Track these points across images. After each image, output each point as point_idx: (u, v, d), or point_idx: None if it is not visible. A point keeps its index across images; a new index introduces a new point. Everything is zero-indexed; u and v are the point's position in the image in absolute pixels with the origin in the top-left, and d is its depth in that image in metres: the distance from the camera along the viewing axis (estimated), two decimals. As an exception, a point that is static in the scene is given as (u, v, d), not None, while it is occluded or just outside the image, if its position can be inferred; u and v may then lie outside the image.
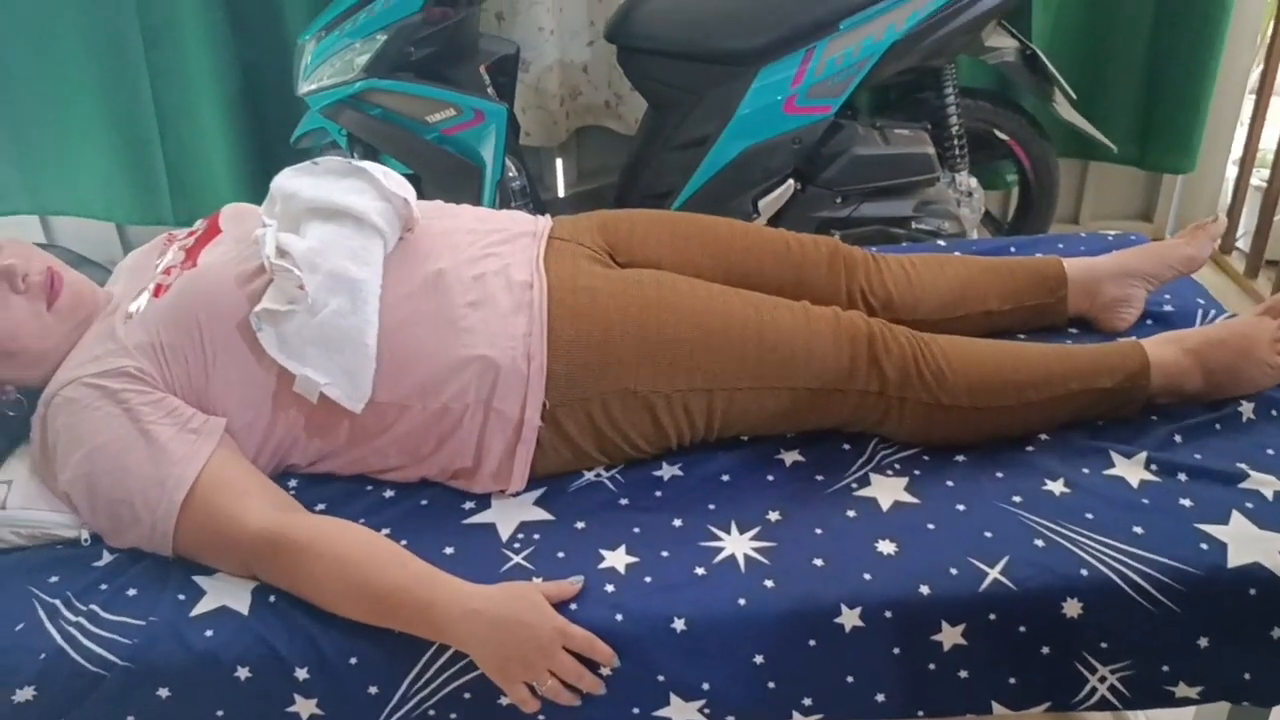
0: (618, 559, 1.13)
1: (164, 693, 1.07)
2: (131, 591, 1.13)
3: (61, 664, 1.07)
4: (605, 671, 1.05)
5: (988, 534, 1.12)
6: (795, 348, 1.25)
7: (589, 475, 1.27)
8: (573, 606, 1.07)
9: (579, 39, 2.65)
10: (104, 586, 1.13)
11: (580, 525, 1.19)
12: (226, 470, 1.15)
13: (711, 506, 1.20)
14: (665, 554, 1.14)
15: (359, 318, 1.18)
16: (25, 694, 1.06)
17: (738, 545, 1.14)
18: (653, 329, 1.23)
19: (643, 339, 1.23)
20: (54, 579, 1.14)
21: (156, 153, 2.76)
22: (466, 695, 1.08)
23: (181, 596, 1.12)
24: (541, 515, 1.21)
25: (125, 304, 1.26)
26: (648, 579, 1.11)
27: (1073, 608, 1.07)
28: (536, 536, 1.17)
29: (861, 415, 1.28)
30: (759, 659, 1.08)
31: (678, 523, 1.18)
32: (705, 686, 1.08)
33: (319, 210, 1.25)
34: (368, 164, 1.30)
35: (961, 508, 1.17)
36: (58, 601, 1.11)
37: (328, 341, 1.18)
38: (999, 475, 1.21)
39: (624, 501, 1.22)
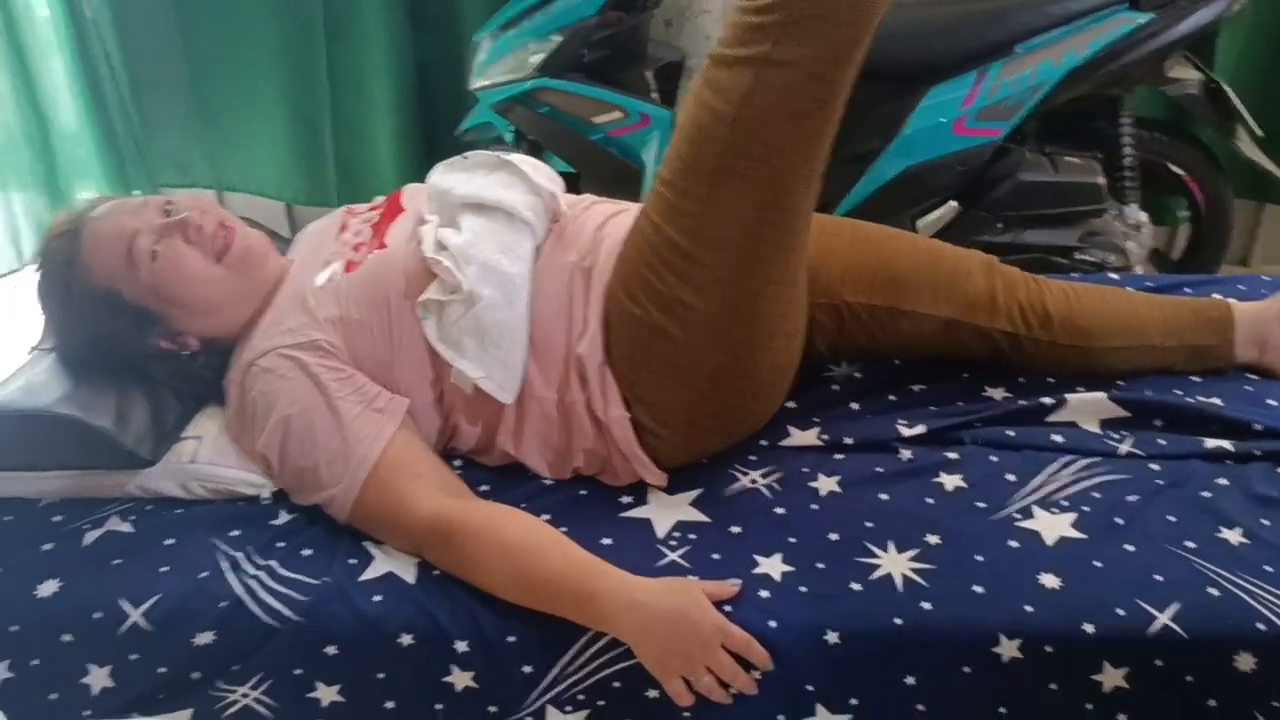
0: (773, 566, 1.14)
1: (331, 650, 1.12)
2: (307, 551, 1.18)
3: (240, 613, 1.12)
4: (756, 675, 1.06)
5: (1158, 577, 1.09)
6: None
7: (744, 481, 1.27)
8: (727, 608, 1.08)
9: (744, 49, 2.67)
10: (281, 544, 1.19)
11: (736, 530, 1.20)
12: (405, 452, 1.19)
13: (869, 524, 1.19)
14: (820, 566, 1.14)
15: (513, 312, 1.23)
16: (205, 638, 1.12)
17: (895, 564, 1.13)
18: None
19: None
20: (235, 533, 1.21)
21: (327, 138, 2.90)
22: (616, 684, 1.10)
23: (352, 561, 1.17)
24: (697, 516, 1.22)
25: (313, 273, 1.32)
26: (802, 589, 1.11)
27: (1245, 661, 1.03)
28: (693, 536, 1.19)
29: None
30: (910, 680, 1.07)
31: (834, 536, 1.18)
32: (853, 701, 1.08)
33: (472, 205, 1.29)
34: (516, 156, 1.34)
35: (1130, 548, 1.13)
36: (239, 554, 1.17)
37: (484, 333, 1.22)
38: (1171, 519, 1.18)
39: (780, 510, 1.23)
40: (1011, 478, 1.26)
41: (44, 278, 1.30)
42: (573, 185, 2.40)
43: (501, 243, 1.26)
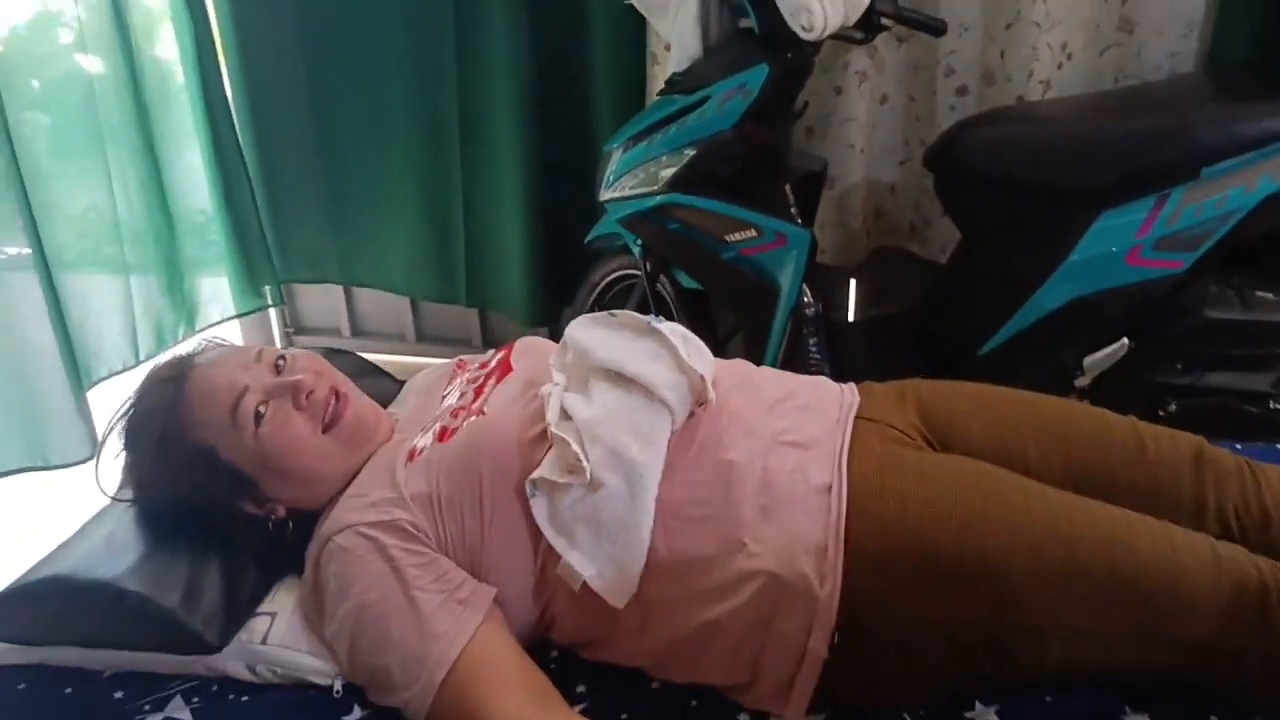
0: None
1: None
2: (378, 760, 1.05)
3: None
4: None
5: None
6: (1156, 589, 1.03)
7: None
8: None
9: (890, 158, 2.51)
10: (351, 747, 1.06)
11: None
12: (488, 652, 1.05)
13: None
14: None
15: (635, 505, 1.07)
16: None
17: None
18: (974, 552, 1.04)
19: (962, 564, 1.04)
20: (303, 729, 1.09)
21: (459, 238, 2.87)
22: None
23: (426, 773, 1.02)
24: (824, 752, 1.04)
25: (409, 438, 1.21)
26: None
27: None
28: (816, 778, 1.01)
29: (1233, 675, 1.04)
30: None
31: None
32: None
33: (609, 373, 1.15)
34: (667, 326, 1.20)
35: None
36: (305, 757, 1.05)
37: (600, 524, 1.07)
38: None
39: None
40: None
41: (139, 421, 1.22)
42: (702, 303, 2.30)
43: (634, 424, 1.11)
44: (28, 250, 2.19)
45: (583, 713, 1.07)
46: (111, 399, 1.28)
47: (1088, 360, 1.94)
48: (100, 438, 1.25)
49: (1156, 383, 1.95)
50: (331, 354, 1.47)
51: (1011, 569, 1.02)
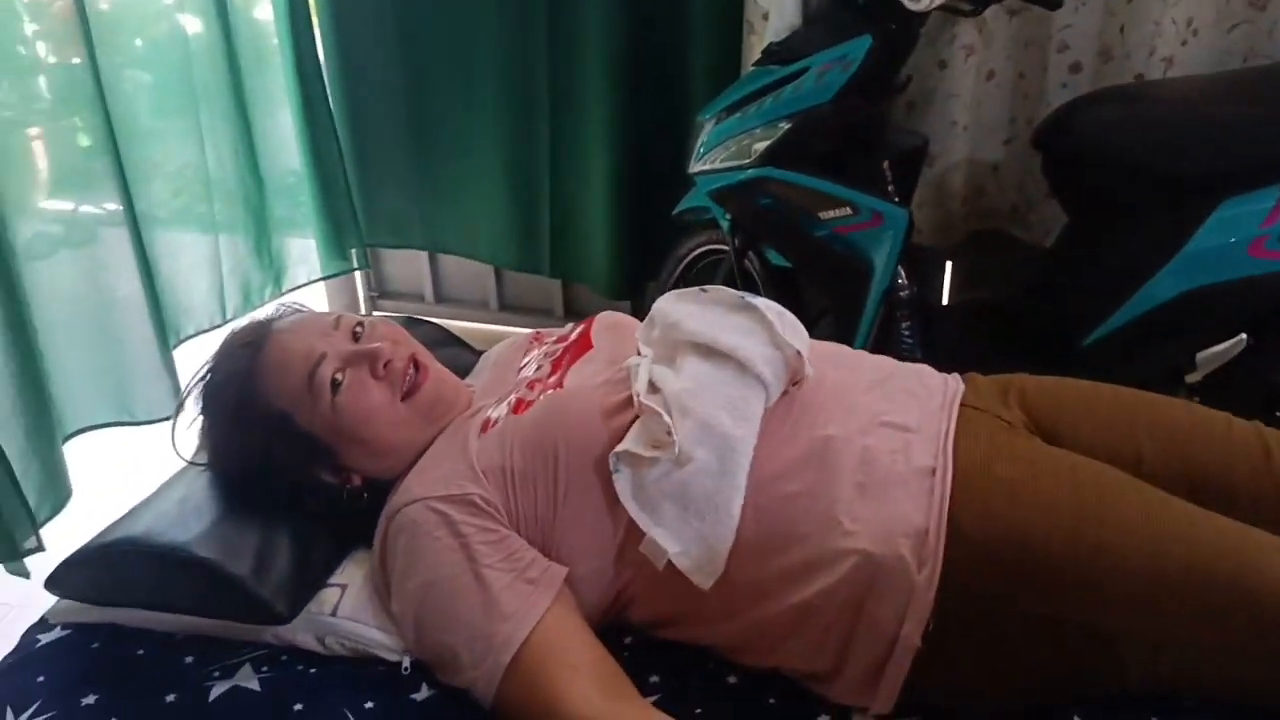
0: None
1: None
2: (445, 739, 1.02)
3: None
4: None
5: None
6: None
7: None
8: None
9: (994, 136, 2.39)
10: (419, 726, 1.03)
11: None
12: (559, 634, 1.01)
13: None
14: None
15: (726, 481, 1.02)
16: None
17: None
18: (1087, 549, 0.97)
19: (1072, 560, 0.97)
20: (370, 704, 1.06)
21: (544, 207, 2.83)
22: None
23: (496, 758, 0.99)
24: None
25: (484, 409, 1.17)
26: None
27: None
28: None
29: None
30: None
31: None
32: None
33: (700, 346, 1.10)
34: (761, 301, 1.14)
35: None
36: (371, 733, 1.02)
37: (687, 500, 1.02)
38: None
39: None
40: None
41: (216, 387, 1.21)
42: (791, 282, 2.23)
43: (727, 398, 1.06)
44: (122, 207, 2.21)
45: (655, 704, 1.03)
46: (198, 356, 1.28)
47: (1201, 355, 1.83)
48: (178, 401, 1.24)
49: (1276, 383, 1.83)
50: (411, 323, 1.45)
51: (1125, 568, 0.95)
